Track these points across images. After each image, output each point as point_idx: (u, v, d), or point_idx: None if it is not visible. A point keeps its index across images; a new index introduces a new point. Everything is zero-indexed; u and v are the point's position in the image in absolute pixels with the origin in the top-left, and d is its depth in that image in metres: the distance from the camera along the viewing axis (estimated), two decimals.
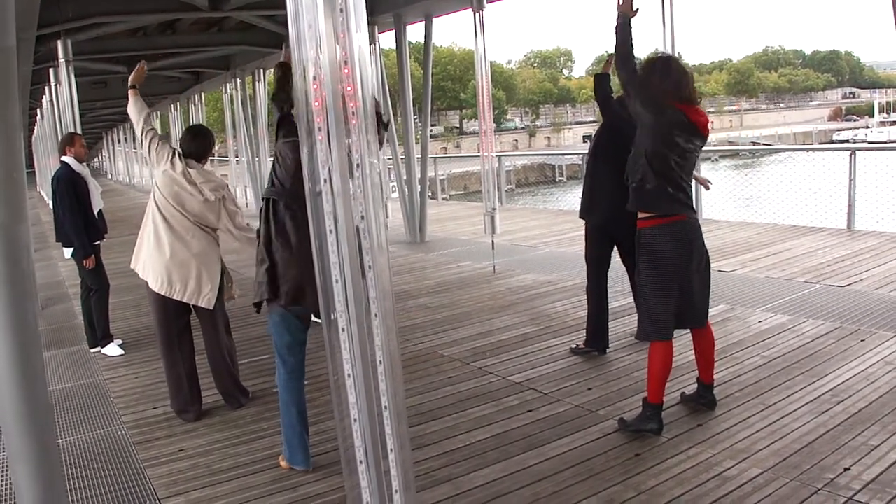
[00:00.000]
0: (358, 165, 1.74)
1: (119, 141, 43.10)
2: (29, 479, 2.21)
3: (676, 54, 7.07)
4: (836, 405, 4.61)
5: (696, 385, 4.81)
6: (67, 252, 7.21)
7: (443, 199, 21.03)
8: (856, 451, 4.01)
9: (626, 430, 4.49)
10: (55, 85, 9.92)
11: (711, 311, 6.03)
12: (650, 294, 4.42)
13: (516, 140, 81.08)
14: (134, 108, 5.37)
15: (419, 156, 12.29)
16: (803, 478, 3.76)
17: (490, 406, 5.09)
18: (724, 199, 14.91)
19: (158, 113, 32.61)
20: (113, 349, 7.19)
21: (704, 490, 3.74)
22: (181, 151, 5.24)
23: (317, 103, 1.73)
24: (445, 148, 72.01)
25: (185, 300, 5.18)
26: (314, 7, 1.65)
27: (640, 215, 4.42)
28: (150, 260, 5.16)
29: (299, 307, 4.15)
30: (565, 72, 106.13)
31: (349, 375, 1.88)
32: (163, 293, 5.13)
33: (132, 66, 5.54)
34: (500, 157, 18.15)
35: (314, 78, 1.72)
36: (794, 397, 4.78)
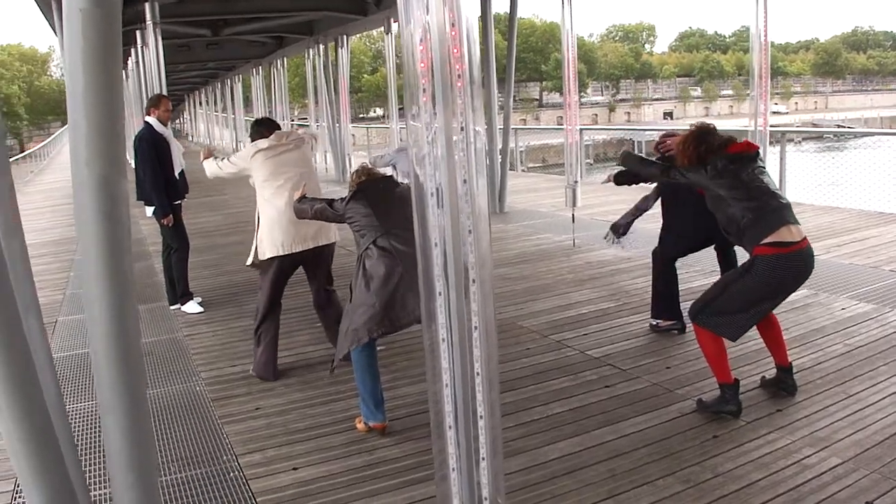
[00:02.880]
0: (462, 129, 1.73)
1: (201, 103, 43.79)
2: (119, 431, 2.25)
3: (762, 31, 6.83)
4: None
5: (775, 370, 4.72)
6: (149, 210, 7.38)
7: (522, 171, 20.91)
8: None
9: (704, 410, 4.44)
10: (141, 47, 10.07)
11: (795, 296, 5.93)
12: (737, 302, 4.37)
13: (595, 114, 79.97)
14: (210, 172, 5.87)
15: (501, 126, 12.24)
16: (884, 470, 3.66)
17: (567, 380, 5.08)
18: (807, 182, 14.49)
19: (241, 76, 33.02)
20: (192, 307, 7.36)
21: (783, 476, 3.67)
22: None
23: (422, 64, 1.72)
24: (524, 120, 71.52)
25: (318, 244, 5.37)
26: None
27: (761, 244, 4.30)
28: (271, 235, 5.33)
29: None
30: (647, 46, 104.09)
31: (443, 340, 1.88)
32: (293, 251, 5.30)
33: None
34: (580, 130, 17.96)
35: (421, 40, 1.71)
36: (877, 388, 4.65)
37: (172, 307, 7.51)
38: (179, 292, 7.48)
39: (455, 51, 1.71)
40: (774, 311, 4.62)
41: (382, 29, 15.78)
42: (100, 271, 2.12)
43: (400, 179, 6.33)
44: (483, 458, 1.98)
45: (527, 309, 6.74)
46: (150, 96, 8.34)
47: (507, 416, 4.54)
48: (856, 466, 3.71)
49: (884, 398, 4.50)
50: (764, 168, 4.58)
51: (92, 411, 4.99)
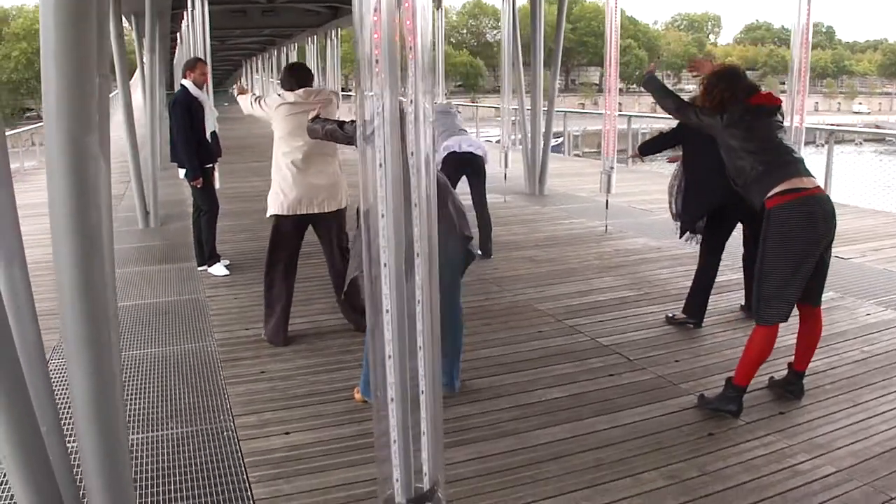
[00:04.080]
0: (412, 102, 1.73)
1: (257, 70, 44.09)
2: (84, 381, 2.27)
3: (804, 24, 6.61)
4: None
5: (786, 371, 4.62)
6: (181, 172, 7.47)
7: (574, 155, 20.76)
8: None
9: (704, 407, 4.37)
10: (192, 10, 10.14)
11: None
12: (775, 276, 4.17)
13: (653, 103, 78.79)
14: (244, 108, 5.89)
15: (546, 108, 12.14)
16: (878, 484, 3.57)
17: (572, 365, 5.05)
18: (859, 183, 14.17)
19: (296, 45, 33.13)
20: (218, 269, 7.46)
21: (772, 480, 3.60)
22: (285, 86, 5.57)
23: (376, 36, 1.71)
24: (583, 104, 70.86)
25: (324, 210, 5.40)
26: None
27: (770, 195, 4.18)
28: (278, 193, 5.37)
29: None
30: (711, 37, 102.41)
31: (387, 311, 1.88)
32: (296, 212, 5.34)
33: None
34: (629, 117, 17.75)
35: (375, 10, 1.69)
36: (888, 398, 4.53)
37: (200, 268, 7.63)
38: (207, 254, 7.59)
39: (408, 22, 1.70)
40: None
41: (433, 4, 15.66)
42: (67, 225, 2.15)
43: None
44: (424, 433, 1.98)
45: (546, 292, 6.71)
46: (187, 59, 8.44)
47: (505, 396, 4.56)
48: (850, 477, 3.62)
49: (892, 409, 4.37)
50: (782, 124, 4.49)
51: None
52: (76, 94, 2.04)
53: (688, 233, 5.87)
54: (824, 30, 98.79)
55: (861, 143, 34.72)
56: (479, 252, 7.85)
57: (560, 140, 20.43)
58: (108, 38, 2.25)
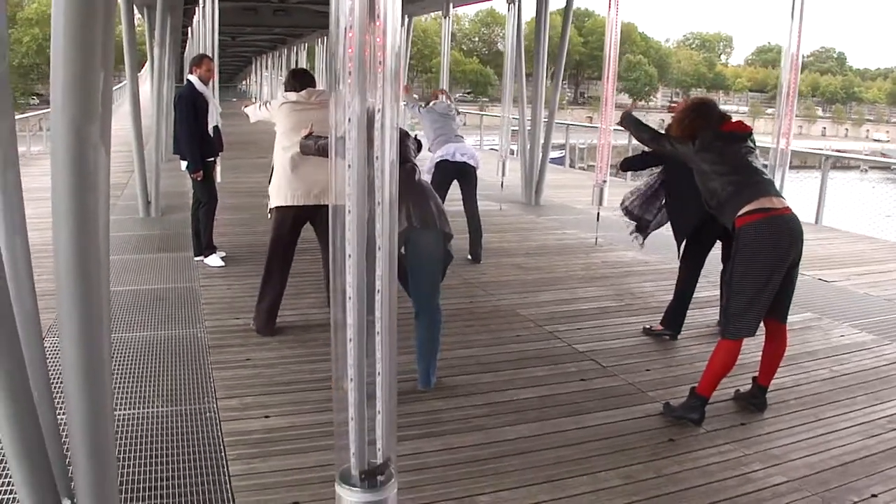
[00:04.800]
0: (379, 110, 1.93)
1: (266, 67, 44.34)
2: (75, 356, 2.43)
3: (795, 47, 6.70)
4: (889, 431, 4.49)
5: (751, 384, 4.80)
6: (183, 164, 7.68)
7: (579, 167, 20.90)
8: (891, 480, 3.91)
9: (669, 414, 4.54)
10: (203, 5, 10.36)
11: (796, 318, 5.98)
12: (744, 293, 4.36)
13: (662, 120, 79.04)
14: (252, 116, 6.22)
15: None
16: (827, 495, 3.72)
17: (547, 369, 5.23)
18: (857, 209, 14.34)
19: (305, 45, 33.38)
20: (214, 260, 7.67)
21: (724, 486, 3.77)
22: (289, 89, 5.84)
23: (350, 49, 1.90)
24: (591, 117, 71.02)
25: (321, 202, 5.57)
26: None
27: (740, 214, 4.38)
28: (278, 186, 5.63)
29: None
30: (723, 57, 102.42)
31: (350, 298, 2.07)
32: (296, 203, 5.58)
33: None
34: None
35: (351, 27, 1.89)
36: (849, 416, 4.69)
37: (196, 258, 7.83)
38: (203, 245, 7.80)
39: (379, 40, 1.89)
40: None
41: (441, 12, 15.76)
42: (67, 208, 2.33)
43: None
44: (379, 412, 2.17)
45: (530, 298, 6.89)
46: (193, 55, 8.67)
47: (478, 394, 4.75)
48: (800, 486, 3.77)
49: (852, 426, 4.53)
50: (753, 149, 4.68)
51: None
52: (81, 86, 2.22)
53: (637, 233, 6.23)
54: (835, 55, 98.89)
55: (866, 171, 34.86)
56: (470, 257, 8.07)
57: (562, 153, 20.58)
58: (112, 31, 2.43)
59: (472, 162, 7.91)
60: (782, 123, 6.64)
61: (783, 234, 4.30)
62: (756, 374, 4.78)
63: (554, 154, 14.96)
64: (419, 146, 6.00)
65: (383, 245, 2.01)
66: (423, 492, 3.60)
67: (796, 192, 10.10)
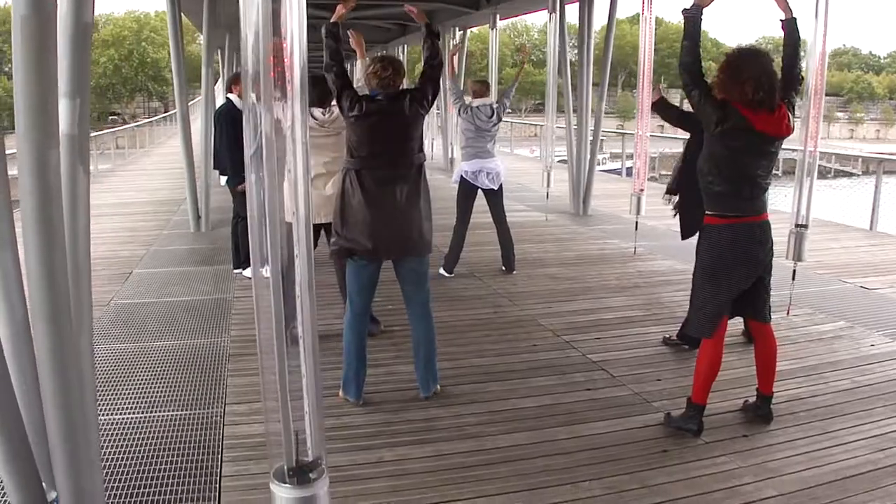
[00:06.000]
0: (290, 125, 2.04)
1: None
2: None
3: (821, 43, 6.33)
4: None
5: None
6: (223, 179, 7.92)
7: (650, 178, 20.66)
8: (890, 497, 3.81)
9: (669, 425, 4.52)
10: None
11: (827, 327, 5.89)
12: (702, 291, 4.41)
13: None
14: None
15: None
16: None
17: (555, 378, 5.25)
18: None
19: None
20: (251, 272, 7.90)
21: (711, 498, 3.73)
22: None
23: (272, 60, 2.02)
24: (662, 126, 69.63)
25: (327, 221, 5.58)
26: None
27: (708, 212, 4.37)
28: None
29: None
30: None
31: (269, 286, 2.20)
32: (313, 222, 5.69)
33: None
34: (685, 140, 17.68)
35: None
36: (859, 429, 4.56)
37: (235, 271, 8.12)
38: (242, 258, 8.03)
39: (286, 60, 2.00)
40: (777, 337, 4.64)
41: (488, 24, 15.83)
42: (33, 221, 2.50)
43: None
44: (307, 413, 2.30)
45: (554, 308, 6.92)
46: (230, 74, 8.95)
47: (480, 402, 4.81)
48: (788, 502, 3.71)
49: (860, 439, 4.41)
50: (775, 152, 4.33)
51: (127, 354, 5.55)
52: (40, 114, 2.40)
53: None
54: (851, 51, 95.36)
55: None
56: (504, 267, 8.12)
57: (616, 163, 20.46)
58: (88, 59, 2.61)
59: (494, 186, 7.99)
60: (809, 126, 6.29)
61: (742, 239, 4.28)
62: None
63: (609, 165, 14.89)
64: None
65: (301, 253, 2.13)
66: (398, 497, 3.69)
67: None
